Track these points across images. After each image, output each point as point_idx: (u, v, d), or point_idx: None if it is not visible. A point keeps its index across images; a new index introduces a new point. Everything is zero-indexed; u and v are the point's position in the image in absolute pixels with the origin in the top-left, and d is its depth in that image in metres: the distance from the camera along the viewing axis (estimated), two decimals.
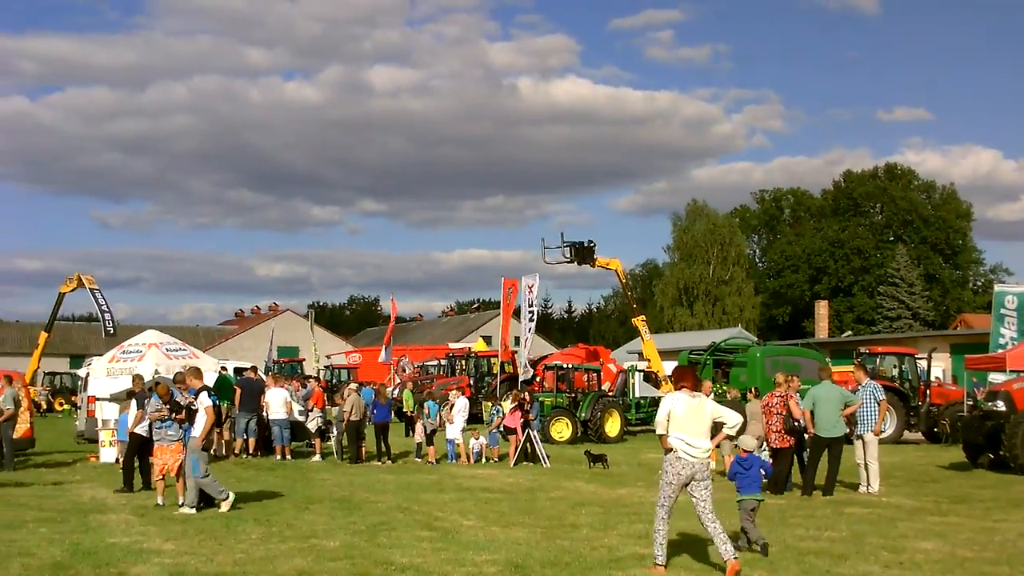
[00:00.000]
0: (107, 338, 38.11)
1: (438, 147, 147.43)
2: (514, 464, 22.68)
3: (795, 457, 17.38)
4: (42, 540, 11.86)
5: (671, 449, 10.10)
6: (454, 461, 23.52)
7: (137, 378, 19.45)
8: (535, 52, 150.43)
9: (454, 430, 23.69)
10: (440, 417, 23.88)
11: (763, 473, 12.02)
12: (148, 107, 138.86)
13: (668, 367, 34.83)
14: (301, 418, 24.84)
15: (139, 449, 17.38)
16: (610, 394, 33.87)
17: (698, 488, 10.08)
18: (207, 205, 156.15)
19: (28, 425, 21.97)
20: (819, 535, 12.69)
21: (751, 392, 20.62)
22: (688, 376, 10.66)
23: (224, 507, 14.46)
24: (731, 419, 10.54)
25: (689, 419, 10.10)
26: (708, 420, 10.26)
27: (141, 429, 17.16)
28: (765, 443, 16.93)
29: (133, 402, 18.74)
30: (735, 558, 9.89)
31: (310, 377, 36.24)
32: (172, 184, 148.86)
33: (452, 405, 23.90)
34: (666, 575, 10.17)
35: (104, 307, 36.86)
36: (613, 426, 30.85)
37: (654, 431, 11.40)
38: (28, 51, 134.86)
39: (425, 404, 24.37)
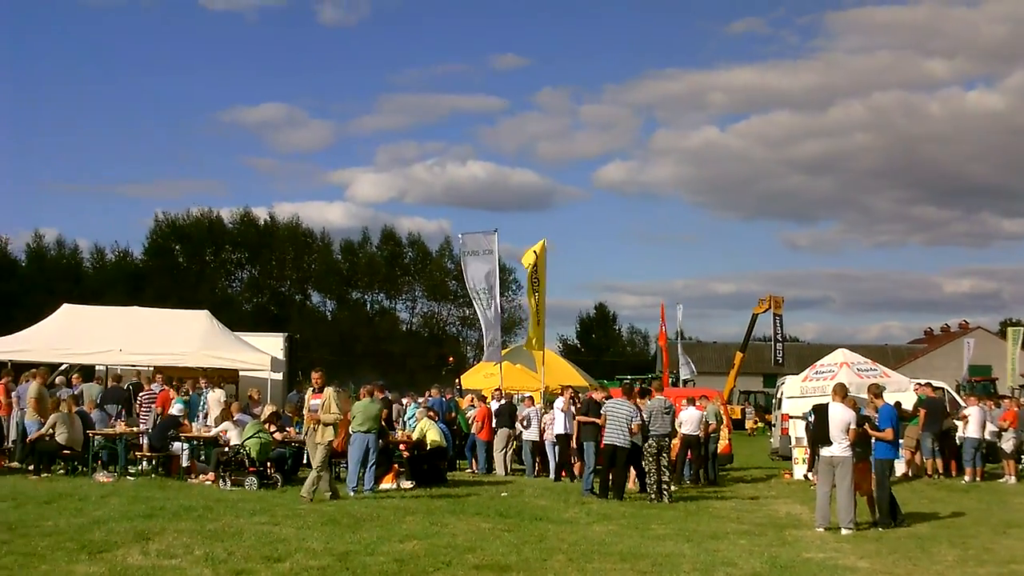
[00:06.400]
0: (775, 366, 39.02)
1: None
2: None
3: None
4: (742, 552, 12.46)
5: None
6: None
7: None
8: None
9: None
10: None
11: None
12: (829, 127, 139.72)
13: None
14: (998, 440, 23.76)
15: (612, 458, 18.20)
16: None
17: None
18: (889, 222, 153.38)
19: (727, 441, 23.53)
20: None
21: None
22: None
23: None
24: None
25: None
26: None
27: (619, 439, 17.91)
28: None
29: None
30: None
31: (1005, 396, 34.46)
32: (854, 203, 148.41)
33: None
34: None
35: (779, 335, 37.74)
36: None
37: None
38: (718, 84, 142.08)
39: None
